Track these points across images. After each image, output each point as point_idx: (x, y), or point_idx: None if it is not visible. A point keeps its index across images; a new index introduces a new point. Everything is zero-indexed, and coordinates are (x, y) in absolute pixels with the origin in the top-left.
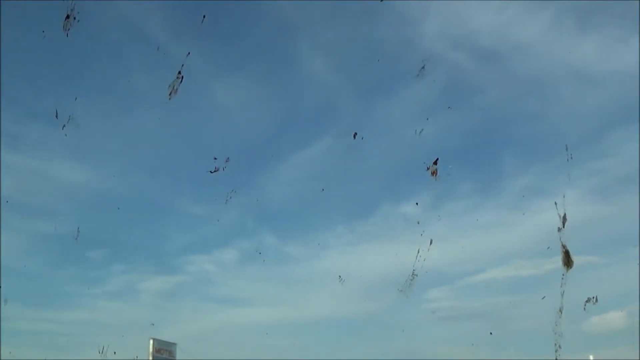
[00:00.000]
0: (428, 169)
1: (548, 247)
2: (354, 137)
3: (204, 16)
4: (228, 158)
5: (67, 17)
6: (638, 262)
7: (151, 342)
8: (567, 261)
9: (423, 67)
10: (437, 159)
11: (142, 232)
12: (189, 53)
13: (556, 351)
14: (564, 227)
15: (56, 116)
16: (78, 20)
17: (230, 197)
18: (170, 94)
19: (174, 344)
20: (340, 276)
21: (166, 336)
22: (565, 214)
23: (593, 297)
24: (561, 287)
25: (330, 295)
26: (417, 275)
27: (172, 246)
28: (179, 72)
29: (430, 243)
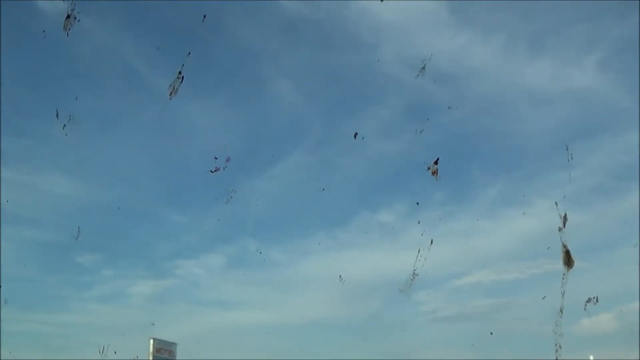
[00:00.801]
0: (429, 168)
1: (549, 247)
2: (355, 137)
3: (204, 16)
4: (229, 157)
5: (68, 16)
6: (638, 262)
7: (151, 341)
8: (568, 261)
9: (423, 67)
10: (438, 159)
11: (129, 239)
12: (189, 53)
13: (556, 351)
14: (564, 227)
15: (57, 116)
16: (78, 20)
17: (231, 197)
18: (170, 94)
19: (175, 344)
20: (340, 276)
21: (159, 337)
22: (565, 214)
23: (593, 298)
24: (561, 287)
25: (317, 299)
26: (417, 275)
27: (159, 252)
28: (179, 72)
29: (431, 243)
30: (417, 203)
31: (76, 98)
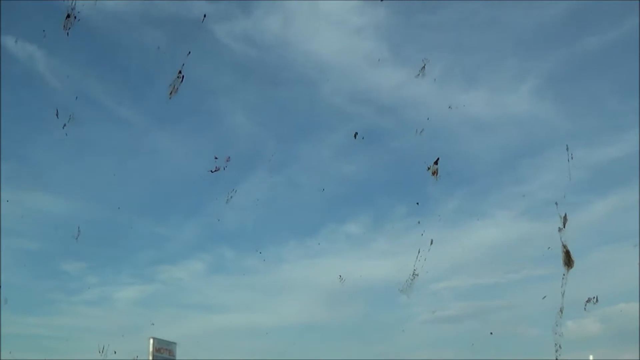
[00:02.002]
0: (429, 168)
1: (549, 248)
2: (355, 137)
3: (205, 15)
4: (229, 157)
5: (68, 16)
6: (638, 262)
7: (151, 341)
8: (568, 261)
9: (423, 67)
10: (438, 159)
11: (111, 249)
12: (189, 52)
13: (556, 351)
14: (564, 227)
15: (57, 116)
16: (78, 20)
17: (231, 197)
18: (170, 94)
19: (174, 344)
20: (340, 276)
21: (145, 341)
22: (566, 214)
23: (593, 297)
24: (562, 287)
25: (299, 302)
26: (417, 275)
27: (142, 259)
28: (180, 72)
29: (431, 243)
30: (417, 203)
31: (76, 98)
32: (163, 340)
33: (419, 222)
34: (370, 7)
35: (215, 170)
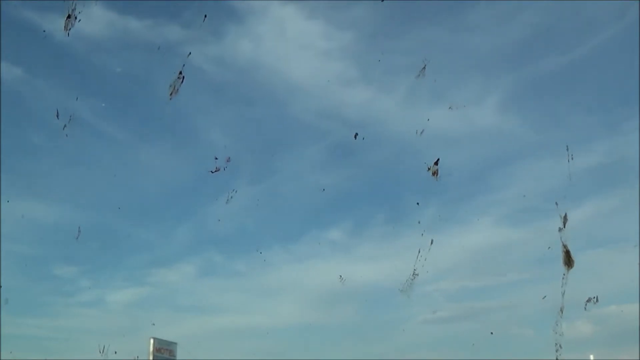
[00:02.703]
0: (429, 169)
1: (549, 247)
2: (355, 137)
3: (205, 15)
4: (229, 158)
5: (69, 16)
6: (638, 262)
7: (152, 341)
8: (568, 261)
9: (424, 68)
10: (438, 160)
11: (103, 254)
12: (189, 53)
13: (557, 351)
14: (564, 227)
15: (57, 116)
16: (79, 20)
17: (232, 197)
18: (171, 94)
19: (175, 344)
20: (341, 275)
21: (141, 344)
22: (566, 214)
23: (594, 297)
24: (562, 287)
25: (290, 304)
26: (417, 275)
27: (133, 264)
28: (180, 72)
29: (431, 243)
30: (418, 203)
31: (76, 98)
32: (163, 340)
33: (419, 222)
34: (336, 32)
35: (216, 171)
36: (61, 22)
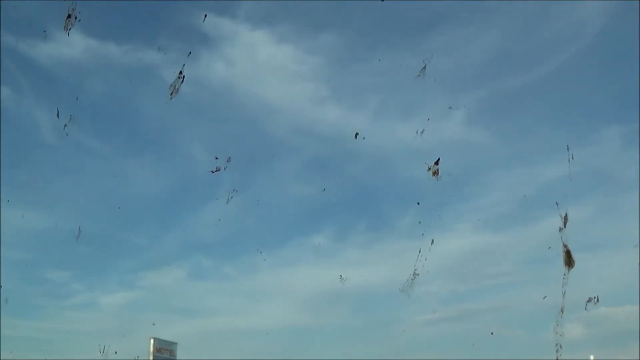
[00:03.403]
0: (429, 169)
1: (549, 247)
2: (355, 137)
3: (205, 15)
4: (229, 157)
5: (69, 16)
6: (638, 262)
7: (152, 341)
8: (569, 261)
9: (424, 68)
10: (439, 159)
11: (93, 259)
12: (190, 53)
13: (557, 351)
14: (565, 227)
15: (57, 116)
16: (79, 20)
17: (232, 197)
18: (171, 94)
19: (175, 344)
20: (341, 275)
21: (137, 345)
22: (566, 214)
23: (594, 297)
24: (562, 286)
25: (281, 307)
26: (418, 275)
27: (124, 268)
28: (180, 72)
29: (432, 242)
30: (418, 203)
31: (77, 98)
32: (164, 340)
33: (419, 222)
34: (306, 56)
35: (216, 171)
36: (43, 46)
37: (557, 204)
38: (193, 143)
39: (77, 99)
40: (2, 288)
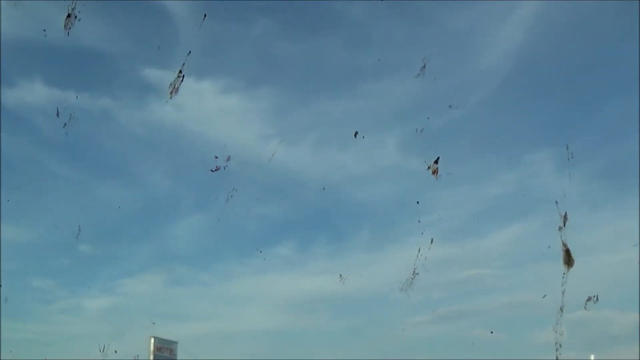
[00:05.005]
0: (429, 168)
1: (549, 246)
2: (355, 136)
3: (205, 15)
4: (229, 156)
5: (69, 15)
6: (638, 262)
7: (152, 340)
8: (568, 260)
9: (424, 67)
10: (438, 158)
11: (74, 269)
12: (189, 52)
13: (557, 350)
14: (564, 226)
15: (57, 115)
16: (79, 20)
17: (231, 196)
18: (170, 93)
19: (175, 343)
20: (340, 275)
21: (128, 346)
22: (566, 213)
23: (594, 296)
24: (562, 285)
25: (260, 312)
26: (418, 274)
27: (104, 276)
28: (180, 72)
29: (432, 242)
30: (417, 202)
31: (76, 97)
32: (164, 339)
33: (419, 221)
34: (250, 102)
35: (216, 169)
36: (10, 92)
37: (556, 203)
38: (153, 172)
39: (76, 98)
40: (1, 288)
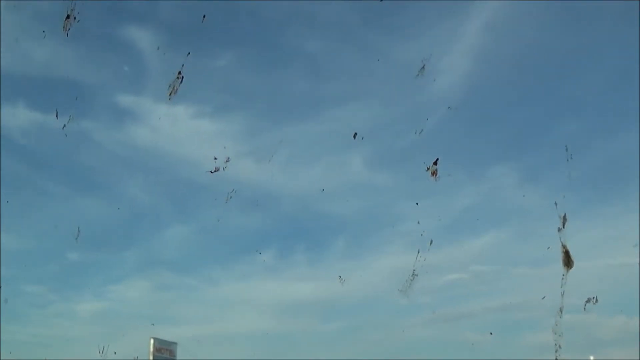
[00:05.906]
0: (428, 169)
1: (549, 248)
2: (354, 137)
3: (204, 16)
4: (228, 158)
5: (68, 17)
6: (638, 262)
7: (152, 341)
8: (567, 261)
9: (423, 67)
10: (437, 159)
11: (63, 275)
12: (189, 53)
13: (556, 351)
14: (564, 227)
15: (56, 116)
16: (78, 21)
17: (231, 197)
18: (170, 94)
19: (175, 343)
20: (340, 276)
21: (124, 347)
22: (565, 214)
23: (593, 297)
24: (561, 287)
25: (249, 315)
26: (417, 275)
27: (93, 281)
28: (179, 72)
29: (430, 243)
30: (417, 203)
31: (76, 98)
32: (163, 340)
33: (418, 222)
34: (223, 125)
35: (215, 171)
36: None
37: (555, 204)
38: (131, 187)
39: (76, 98)
40: (1, 288)
